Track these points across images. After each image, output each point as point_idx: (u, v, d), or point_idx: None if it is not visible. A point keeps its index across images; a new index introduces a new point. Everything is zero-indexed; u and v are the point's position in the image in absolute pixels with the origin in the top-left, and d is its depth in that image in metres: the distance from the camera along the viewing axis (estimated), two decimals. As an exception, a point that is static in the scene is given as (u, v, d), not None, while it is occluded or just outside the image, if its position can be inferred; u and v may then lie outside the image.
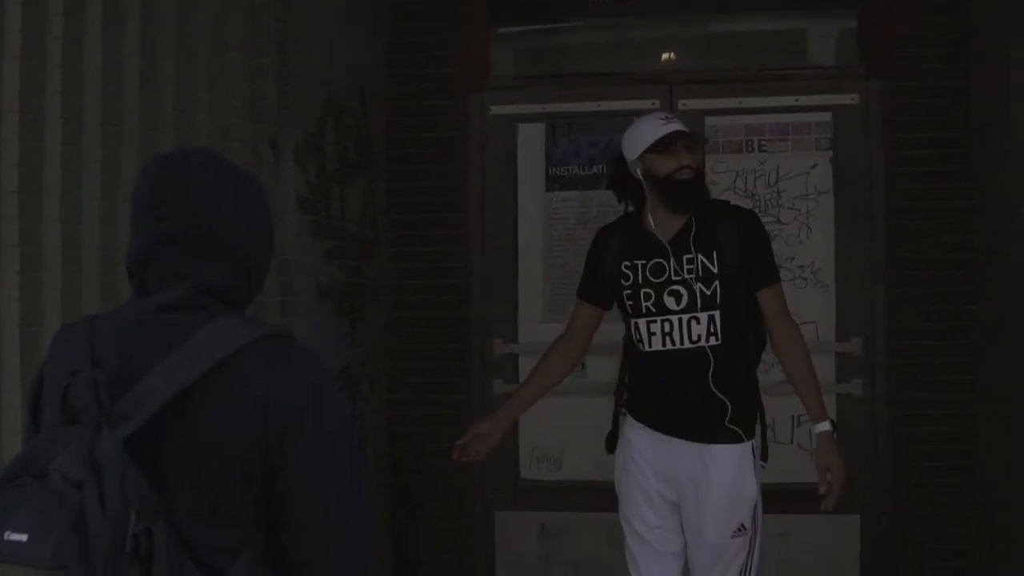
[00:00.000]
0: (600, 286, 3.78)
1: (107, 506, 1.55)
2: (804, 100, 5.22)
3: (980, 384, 4.93)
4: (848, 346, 5.15)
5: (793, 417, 5.03)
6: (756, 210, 5.15)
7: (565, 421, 5.03)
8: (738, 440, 3.61)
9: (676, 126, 3.63)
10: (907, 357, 5.08)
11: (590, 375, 4.99)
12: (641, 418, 3.72)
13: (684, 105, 5.19)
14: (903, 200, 5.08)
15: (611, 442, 3.85)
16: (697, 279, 3.60)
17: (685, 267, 3.61)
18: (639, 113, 3.98)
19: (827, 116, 5.21)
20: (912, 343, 5.07)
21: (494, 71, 5.48)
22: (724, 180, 5.23)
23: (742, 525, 3.62)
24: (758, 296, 3.67)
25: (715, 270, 3.60)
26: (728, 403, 3.60)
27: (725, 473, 3.59)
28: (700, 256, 3.60)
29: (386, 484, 5.34)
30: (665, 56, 5.47)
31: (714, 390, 3.60)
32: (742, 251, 3.63)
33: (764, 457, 3.72)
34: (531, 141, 5.39)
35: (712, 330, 3.60)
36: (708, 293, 3.60)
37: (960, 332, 5.00)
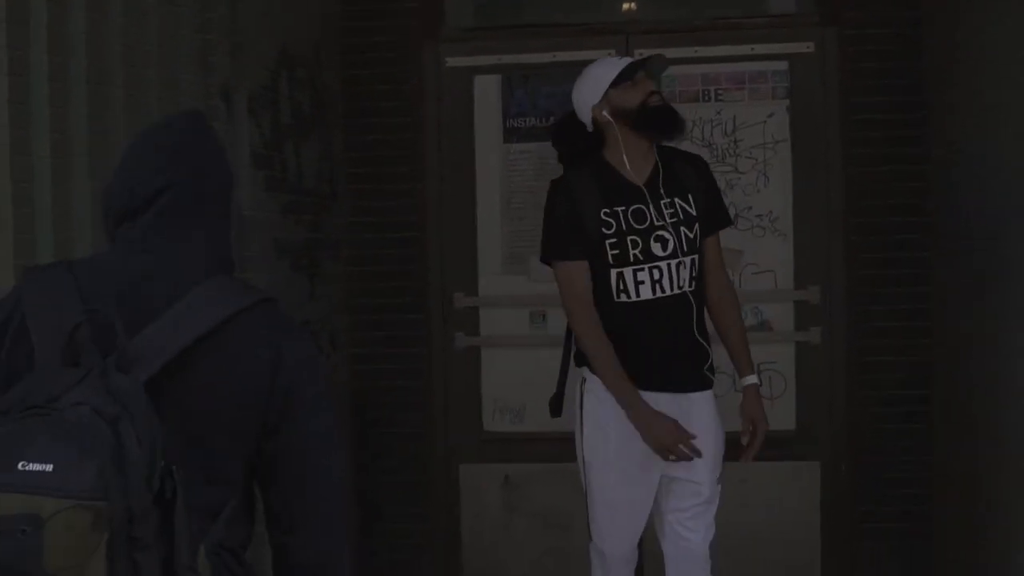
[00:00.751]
0: (583, 237, 3.52)
1: (142, 441, 1.53)
2: (760, 49, 5.22)
3: (935, 330, 4.98)
4: (806, 294, 5.18)
5: (755, 365, 5.06)
6: (713, 159, 5.21)
7: (526, 373, 5.04)
8: (708, 385, 3.62)
9: (631, 60, 3.65)
10: (864, 305, 5.12)
11: (551, 327, 5.00)
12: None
13: (640, 53, 5.15)
14: (860, 148, 5.10)
15: (556, 405, 3.73)
16: (680, 223, 3.54)
17: (666, 211, 3.54)
18: (596, 64, 3.94)
19: (783, 65, 5.21)
20: (869, 291, 5.10)
21: (450, 22, 5.43)
22: (682, 130, 5.23)
23: (722, 470, 3.65)
24: (707, 241, 3.63)
25: (694, 212, 3.57)
26: (709, 350, 3.61)
27: (710, 419, 3.59)
28: (676, 199, 3.56)
29: (349, 439, 5.34)
30: (625, 6, 5.44)
31: (697, 337, 3.58)
32: (705, 194, 3.62)
33: None
34: (488, 93, 5.35)
35: (693, 274, 3.57)
36: (691, 236, 3.56)
37: (916, 280, 5.03)
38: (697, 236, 3.56)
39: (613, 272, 3.53)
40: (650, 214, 3.53)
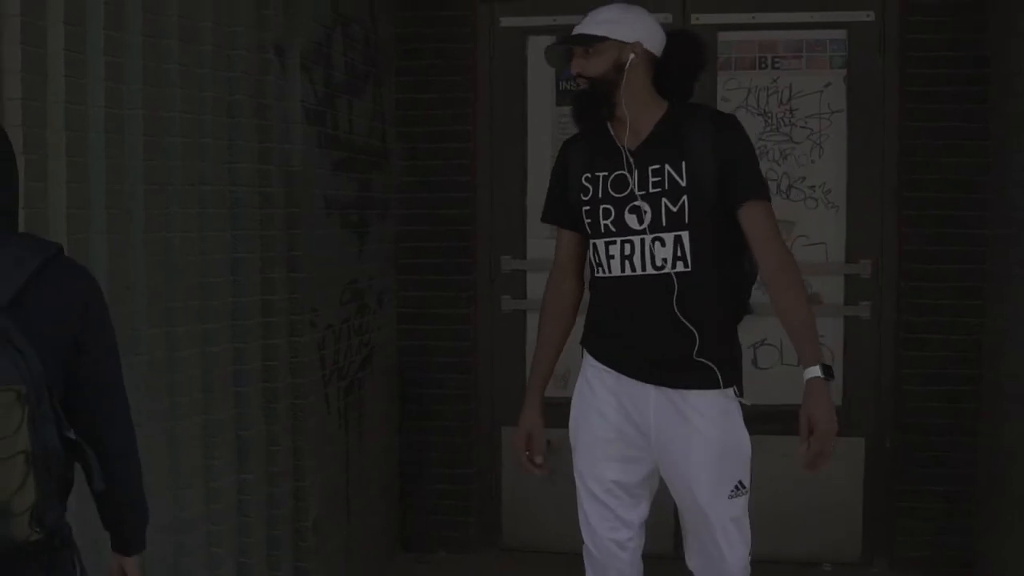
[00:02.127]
0: (566, 205, 3.33)
1: (25, 347, 1.96)
2: (819, 17, 5.14)
3: (987, 309, 4.91)
4: (857, 268, 5.14)
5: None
6: (768, 129, 5.16)
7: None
8: (715, 384, 3.15)
9: (577, 30, 3.23)
10: (916, 280, 5.06)
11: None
12: (599, 356, 3.30)
13: (697, 20, 5.12)
14: (916, 122, 5.02)
15: None
16: (662, 193, 3.13)
17: (651, 179, 3.14)
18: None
19: (842, 34, 5.14)
20: (921, 267, 5.04)
21: (505, -18, 5.39)
22: (736, 97, 5.18)
23: (740, 483, 3.19)
24: (738, 215, 3.12)
25: (683, 183, 3.12)
26: (696, 333, 3.12)
27: (712, 425, 3.15)
28: (667, 167, 3.12)
29: (393, 398, 5.36)
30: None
31: (680, 318, 3.13)
32: (718, 160, 3.11)
33: (741, 392, 3.24)
34: (542, 55, 5.30)
35: (679, 254, 3.13)
36: (674, 210, 3.12)
37: (970, 256, 4.96)
38: (685, 209, 3.11)
39: (591, 243, 3.27)
40: (632, 181, 3.17)
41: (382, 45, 5.17)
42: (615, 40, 3.15)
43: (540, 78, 5.31)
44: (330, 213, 4.54)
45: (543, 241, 5.27)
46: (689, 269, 3.13)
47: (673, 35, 3.27)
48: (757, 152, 3.35)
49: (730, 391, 3.19)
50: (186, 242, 3.56)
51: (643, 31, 3.18)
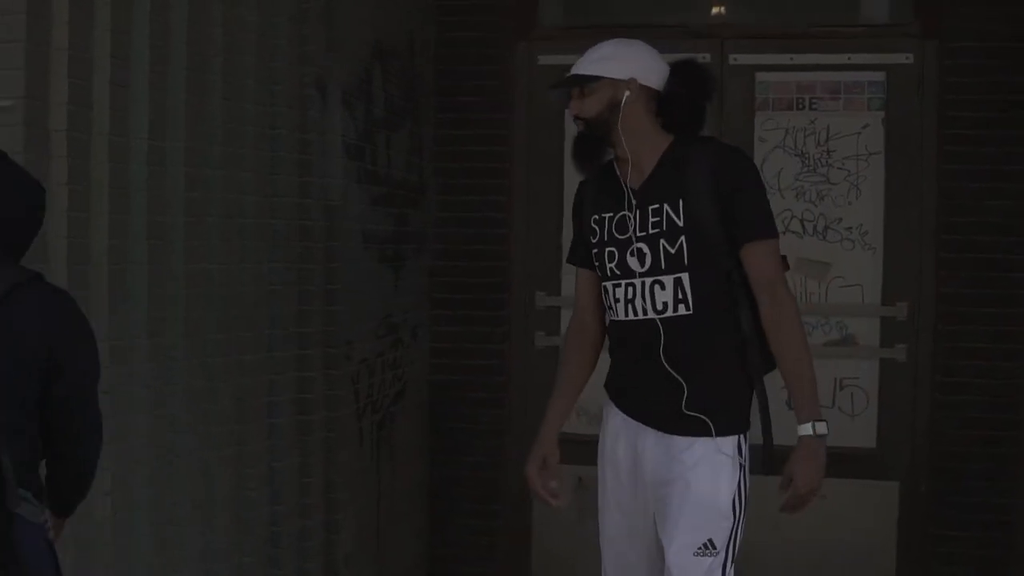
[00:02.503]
0: (581, 245, 3.25)
1: None
2: (857, 58, 5.14)
3: (1026, 353, 4.88)
4: (893, 310, 5.10)
5: (835, 380, 5.01)
6: (805, 169, 5.15)
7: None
8: (706, 433, 2.96)
9: (574, 69, 3.09)
10: (953, 323, 5.02)
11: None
12: (614, 398, 3.19)
13: (735, 60, 5.13)
14: (955, 164, 5.00)
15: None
16: (660, 235, 2.98)
17: (650, 220, 2.99)
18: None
19: (880, 75, 5.13)
20: (958, 309, 5.01)
21: (543, 21, 5.43)
22: (773, 137, 5.18)
23: (709, 542, 2.93)
24: (740, 255, 2.96)
25: (680, 223, 2.95)
26: (684, 384, 2.97)
27: (692, 472, 2.95)
28: (666, 206, 2.96)
29: (425, 432, 5.36)
30: (715, 10, 5.40)
31: (668, 368, 2.98)
32: (719, 197, 2.93)
33: (767, 464, 2.95)
34: (579, 93, 5.34)
35: (680, 296, 2.97)
36: (672, 252, 2.96)
37: (1008, 300, 4.93)
38: (684, 251, 2.95)
39: (602, 285, 3.16)
40: (633, 223, 3.03)
41: (421, 81, 5.21)
42: (609, 78, 3.01)
43: (577, 116, 5.33)
44: (367, 247, 4.57)
45: (578, 278, 5.29)
46: (691, 312, 2.97)
47: (676, 66, 3.09)
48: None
49: (726, 443, 2.97)
50: (224, 274, 3.59)
51: (637, 66, 3.04)
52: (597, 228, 3.12)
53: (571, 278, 5.22)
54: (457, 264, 5.39)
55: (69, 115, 2.89)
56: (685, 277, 2.96)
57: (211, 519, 3.56)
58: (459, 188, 5.38)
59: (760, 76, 5.17)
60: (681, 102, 3.04)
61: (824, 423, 2.90)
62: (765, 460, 2.95)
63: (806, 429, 2.88)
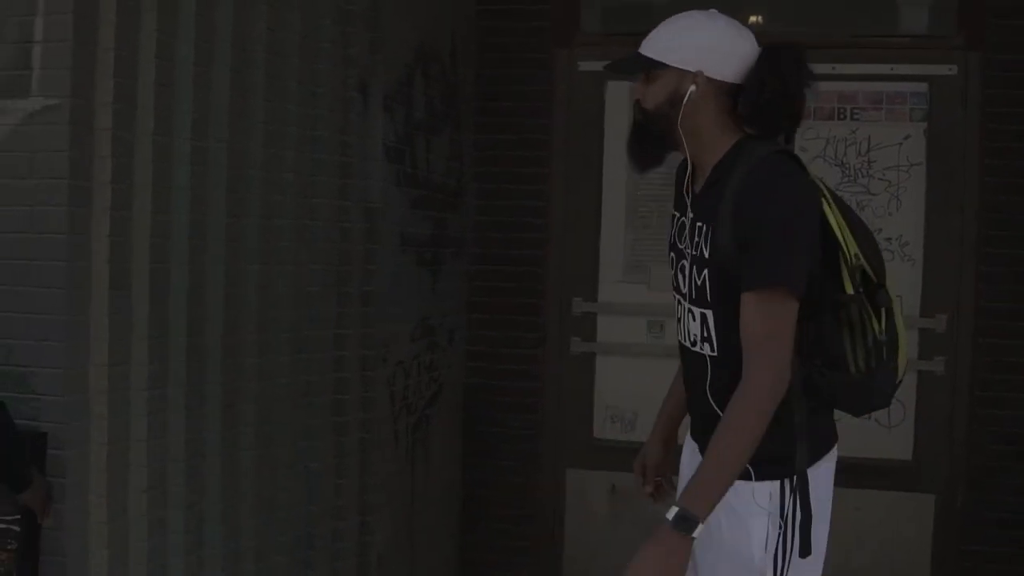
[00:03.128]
0: None
1: None
2: (899, 69, 5.11)
3: (1066, 368, 4.83)
4: (932, 322, 5.07)
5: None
6: (845, 180, 5.12)
7: (640, 383, 5.01)
8: (746, 477, 2.46)
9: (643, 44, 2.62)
10: (992, 337, 4.98)
11: (667, 337, 4.96)
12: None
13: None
14: (997, 176, 4.96)
15: None
16: (694, 260, 2.54)
17: (692, 240, 2.54)
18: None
19: (923, 87, 5.10)
20: (998, 323, 4.97)
21: (584, 27, 5.43)
22: (814, 147, 5.15)
23: None
24: (741, 300, 2.42)
25: (706, 252, 2.49)
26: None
27: (724, 516, 2.51)
28: (705, 228, 2.51)
29: (459, 436, 5.37)
30: (755, 19, 5.38)
31: (712, 404, 2.54)
32: (737, 231, 2.42)
33: (805, 546, 2.50)
34: (619, 99, 5.32)
35: (705, 334, 2.54)
36: (698, 283, 2.53)
37: (1049, 314, 4.89)
38: (707, 285, 2.50)
39: None
40: (686, 236, 2.59)
41: (461, 86, 5.23)
42: (675, 68, 2.53)
43: (617, 122, 5.32)
44: (406, 250, 4.59)
45: (614, 285, 5.29)
46: (716, 354, 2.53)
47: (765, 52, 2.59)
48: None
49: (763, 489, 2.50)
50: (263, 275, 3.62)
51: (710, 55, 2.53)
52: (670, 223, 2.70)
53: (609, 285, 5.32)
54: (495, 268, 5.40)
55: (114, 114, 2.92)
56: (710, 314, 2.52)
57: (244, 519, 3.59)
58: (498, 193, 5.39)
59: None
60: (755, 97, 2.51)
61: (694, 523, 2.35)
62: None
63: (669, 513, 2.38)
